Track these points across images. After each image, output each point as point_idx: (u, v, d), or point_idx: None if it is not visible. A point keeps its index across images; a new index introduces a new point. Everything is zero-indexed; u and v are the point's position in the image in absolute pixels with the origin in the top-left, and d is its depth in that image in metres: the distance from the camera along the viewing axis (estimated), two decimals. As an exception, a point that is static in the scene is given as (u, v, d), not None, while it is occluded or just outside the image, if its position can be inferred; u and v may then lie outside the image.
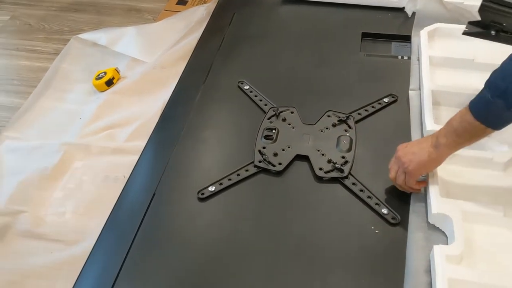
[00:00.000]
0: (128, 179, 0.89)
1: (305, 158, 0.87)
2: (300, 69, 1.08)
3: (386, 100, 0.97)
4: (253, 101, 1.00)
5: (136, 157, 0.93)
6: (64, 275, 0.90)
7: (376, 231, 0.75)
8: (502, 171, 0.81)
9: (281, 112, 0.95)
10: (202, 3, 1.70)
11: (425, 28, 1.07)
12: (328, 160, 0.85)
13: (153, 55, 1.45)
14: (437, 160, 0.72)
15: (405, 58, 1.07)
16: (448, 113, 0.91)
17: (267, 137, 0.90)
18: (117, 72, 1.40)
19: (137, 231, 0.79)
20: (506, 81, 0.63)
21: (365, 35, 1.15)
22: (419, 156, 0.73)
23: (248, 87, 1.03)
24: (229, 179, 0.84)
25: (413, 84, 0.99)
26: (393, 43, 1.13)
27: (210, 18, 1.29)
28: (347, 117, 0.93)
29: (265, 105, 0.98)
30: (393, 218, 0.76)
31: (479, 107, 0.66)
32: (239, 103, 1.01)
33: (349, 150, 0.87)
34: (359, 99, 0.97)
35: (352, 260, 0.72)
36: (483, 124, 0.66)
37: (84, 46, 1.53)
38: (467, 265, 0.68)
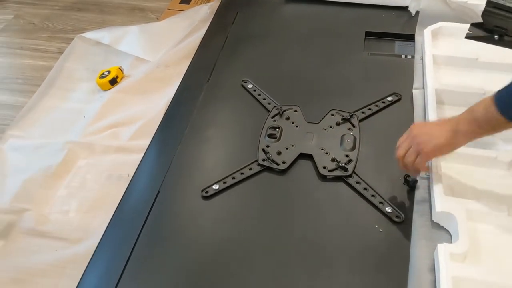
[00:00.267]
0: (132, 177, 0.90)
1: (308, 156, 0.87)
2: (304, 68, 1.08)
3: (389, 99, 0.97)
4: (257, 100, 1.00)
5: (140, 156, 0.94)
6: (68, 273, 0.90)
7: (380, 230, 0.75)
8: (506, 170, 0.81)
9: (285, 110, 0.95)
10: (206, 2, 1.69)
11: (428, 27, 1.07)
12: (332, 159, 0.85)
13: (156, 54, 1.45)
14: (454, 145, 0.71)
15: (409, 57, 1.07)
16: (451, 112, 0.91)
17: (270, 136, 0.90)
18: (121, 71, 1.40)
19: (141, 229, 0.79)
20: None
21: (369, 34, 1.15)
22: (436, 138, 0.71)
23: (251, 86, 1.03)
24: (233, 178, 0.85)
25: (416, 83, 0.99)
26: (396, 42, 1.13)
27: (213, 17, 1.29)
28: (351, 116, 0.93)
29: (269, 104, 0.98)
30: (397, 217, 0.76)
31: (505, 101, 0.64)
32: (242, 102, 1.01)
33: (353, 148, 0.87)
34: (362, 98, 0.97)
35: (356, 258, 0.72)
36: (507, 118, 0.64)
37: (87, 45, 1.53)
38: (471, 263, 0.68)
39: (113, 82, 1.37)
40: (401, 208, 0.77)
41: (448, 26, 1.07)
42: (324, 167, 0.84)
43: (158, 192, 0.84)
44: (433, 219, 0.74)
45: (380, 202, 0.78)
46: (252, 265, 0.73)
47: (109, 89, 1.37)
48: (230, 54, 1.14)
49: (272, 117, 0.94)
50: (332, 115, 0.94)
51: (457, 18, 1.09)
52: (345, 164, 0.84)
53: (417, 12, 1.16)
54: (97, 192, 1.06)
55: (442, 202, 0.73)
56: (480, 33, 0.79)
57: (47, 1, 1.88)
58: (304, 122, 0.93)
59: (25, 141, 1.22)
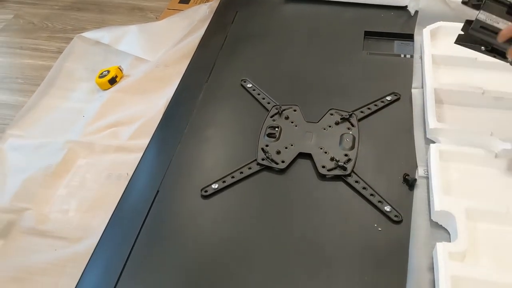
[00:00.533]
0: (132, 177, 0.90)
1: (308, 156, 0.87)
2: (303, 67, 1.08)
3: (388, 98, 0.97)
4: (256, 99, 1.00)
5: (139, 155, 0.94)
6: (68, 272, 0.90)
7: (379, 229, 0.76)
8: (505, 169, 0.81)
9: (284, 110, 0.95)
10: (205, 2, 1.70)
11: (427, 27, 1.07)
12: (331, 158, 0.85)
13: (156, 54, 1.45)
14: None
15: (408, 56, 1.08)
16: (450, 111, 0.92)
17: (270, 135, 0.91)
18: (120, 70, 1.40)
19: (141, 228, 0.79)
20: None
21: (368, 34, 1.15)
22: None
23: (251, 85, 1.03)
24: (232, 177, 0.85)
25: (415, 82, 0.99)
26: (395, 41, 1.13)
27: (212, 17, 1.29)
28: (350, 115, 0.93)
29: (268, 103, 0.98)
30: (396, 216, 0.77)
31: None
32: (242, 101, 1.01)
33: (352, 148, 0.87)
34: (362, 97, 0.97)
35: (355, 257, 0.73)
36: None
37: (87, 44, 1.53)
38: (470, 262, 0.68)
39: (113, 81, 1.37)
40: (400, 207, 0.78)
41: (447, 25, 1.07)
42: (323, 166, 0.84)
43: (158, 191, 0.85)
44: (432, 218, 0.74)
45: (379, 201, 0.79)
46: (251, 263, 0.73)
47: (109, 88, 1.37)
48: (229, 53, 1.14)
49: (271, 117, 0.95)
50: (331, 114, 0.94)
51: (456, 17, 1.09)
52: (344, 163, 0.84)
53: (416, 12, 1.16)
54: (97, 191, 1.06)
55: (441, 201, 0.73)
56: (467, 41, 0.81)
57: (47, 0, 1.88)
58: (303, 122, 0.93)
59: (24, 140, 1.22)
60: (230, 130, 0.97)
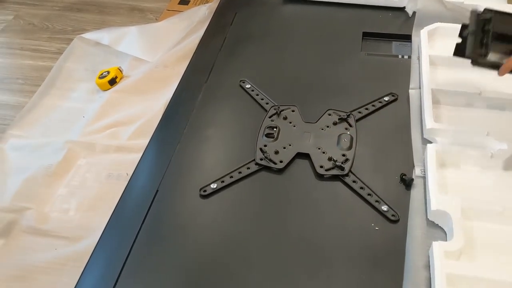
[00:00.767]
0: (131, 176, 0.90)
1: (306, 156, 0.88)
2: (301, 68, 1.09)
3: (386, 98, 0.98)
4: (255, 99, 1.01)
5: (139, 155, 0.94)
6: (68, 271, 0.91)
7: (376, 228, 0.76)
8: (501, 169, 0.81)
9: (282, 110, 0.96)
10: (204, 3, 1.71)
11: (425, 28, 1.08)
12: (328, 158, 0.86)
13: (155, 55, 1.46)
14: None
15: (406, 57, 1.08)
16: (447, 112, 0.93)
17: (268, 135, 0.91)
18: (120, 71, 1.41)
19: (140, 228, 0.80)
20: None
21: (366, 35, 1.15)
22: None
23: (249, 86, 1.04)
24: (231, 177, 0.85)
25: (413, 83, 0.99)
26: (393, 42, 1.14)
27: (212, 18, 1.30)
28: (348, 116, 0.94)
29: (267, 103, 0.99)
30: (393, 215, 0.77)
31: None
32: (240, 101, 1.02)
33: (350, 148, 0.88)
34: (359, 98, 0.98)
35: (353, 256, 0.73)
36: None
37: (87, 45, 1.54)
38: (465, 260, 0.69)
39: (112, 82, 1.38)
40: (397, 207, 0.78)
41: (445, 26, 1.08)
42: (321, 166, 0.85)
43: (157, 191, 0.85)
44: (428, 217, 0.75)
45: (376, 201, 0.79)
46: (250, 263, 0.74)
47: (109, 89, 1.38)
48: (229, 54, 1.14)
49: (270, 117, 0.95)
50: (329, 114, 0.95)
51: (453, 18, 1.09)
52: (342, 163, 0.84)
53: (414, 13, 1.17)
54: (97, 191, 1.07)
55: (437, 201, 0.74)
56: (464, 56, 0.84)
57: (47, 1, 1.89)
58: (302, 122, 0.94)
59: (25, 140, 1.23)
60: (229, 130, 0.98)
